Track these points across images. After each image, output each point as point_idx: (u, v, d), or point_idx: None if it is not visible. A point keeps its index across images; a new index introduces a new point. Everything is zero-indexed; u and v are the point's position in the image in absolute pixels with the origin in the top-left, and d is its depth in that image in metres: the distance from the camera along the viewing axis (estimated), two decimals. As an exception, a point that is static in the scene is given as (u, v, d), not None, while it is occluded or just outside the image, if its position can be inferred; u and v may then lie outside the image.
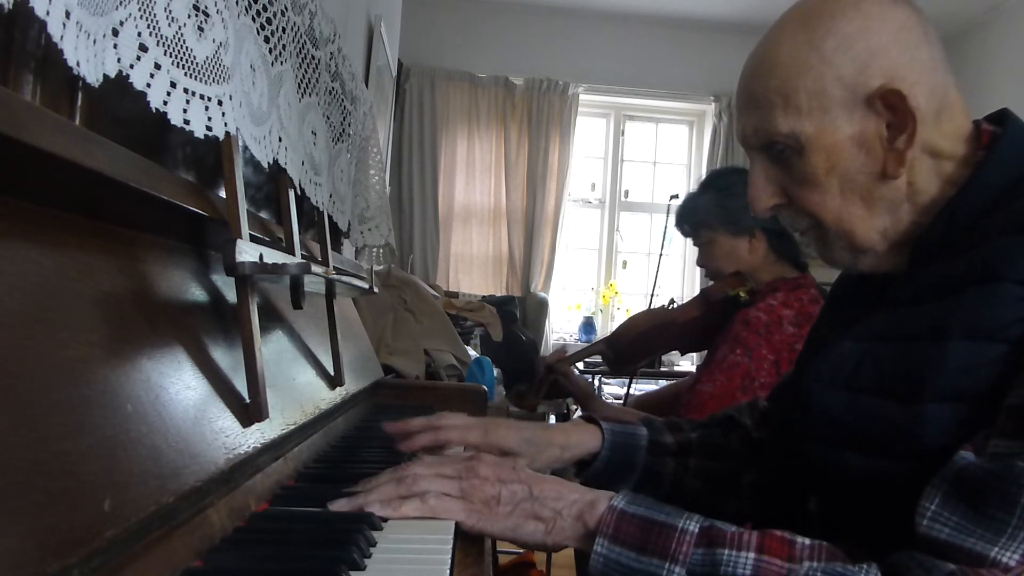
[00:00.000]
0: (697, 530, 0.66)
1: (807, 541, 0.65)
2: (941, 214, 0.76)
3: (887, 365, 0.72)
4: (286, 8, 0.93)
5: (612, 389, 4.03)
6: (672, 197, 4.50)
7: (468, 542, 0.72)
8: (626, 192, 5.01)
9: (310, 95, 1.08)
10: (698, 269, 1.87)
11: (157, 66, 0.61)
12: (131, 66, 0.58)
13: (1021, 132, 0.77)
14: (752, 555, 0.63)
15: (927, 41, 0.76)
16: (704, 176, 1.93)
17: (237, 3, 0.78)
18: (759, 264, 1.68)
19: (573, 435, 0.97)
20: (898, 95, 0.73)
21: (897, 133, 0.75)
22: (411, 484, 0.73)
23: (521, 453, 0.93)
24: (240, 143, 0.76)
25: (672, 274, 4.88)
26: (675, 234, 1.92)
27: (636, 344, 1.76)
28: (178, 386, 0.63)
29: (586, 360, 4.35)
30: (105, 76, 0.54)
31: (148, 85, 0.60)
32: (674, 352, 2.04)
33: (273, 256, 0.76)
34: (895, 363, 0.71)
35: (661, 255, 4.24)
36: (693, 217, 1.75)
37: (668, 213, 4.45)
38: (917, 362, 0.69)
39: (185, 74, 0.64)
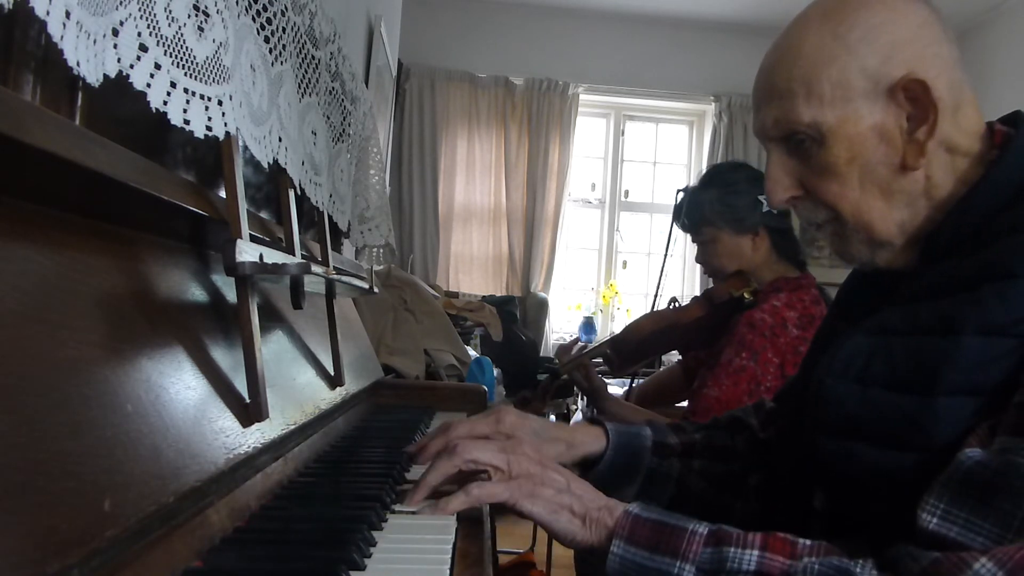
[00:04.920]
0: (706, 531, 0.68)
1: (808, 541, 0.67)
2: (953, 211, 0.77)
3: (899, 359, 0.73)
4: (286, 8, 0.93)
5: (610, 389, 4.02)
6: (679, 191, 4.49)
7: (468, 542, 0.72)
8: (626, 192, 5.01)
9: (310, 95, 1.08)
10: (699, 268, 1.83)
11: (157, 66, 0.61)
12: (131, 66, 0.58)
13: None
14: (756, 552, 0.66)
15: (946, 38, 0.78)
16: (704, 171, 1.87)
17: (237, 3, 0.78)
18: (761, 263, 1.65)
19: (578, 435, 0.98)
20: (921, 85, 0.74)
21: (917, 125, 0.76)
22: (462, 453, 0.76)
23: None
24: (240, 143, 0.76)
25: (673, 273, 4.86)
26: (679, 233, 1.87)
27: (640, 347, 1.74)
28: (178, 386, 0.63)
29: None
30: (105, 76, 0.54)
31: (148, 85, 0.60)
32: (673, 352, 2.03)
33: (273, 256, 0.76)
34: (907, 357, 0.72)
35: (666, 255, 4.17)
36: (695, 214, 1.69)
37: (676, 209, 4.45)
38: (930, 356, 0.70)
39: (185, 74, 0.64)
